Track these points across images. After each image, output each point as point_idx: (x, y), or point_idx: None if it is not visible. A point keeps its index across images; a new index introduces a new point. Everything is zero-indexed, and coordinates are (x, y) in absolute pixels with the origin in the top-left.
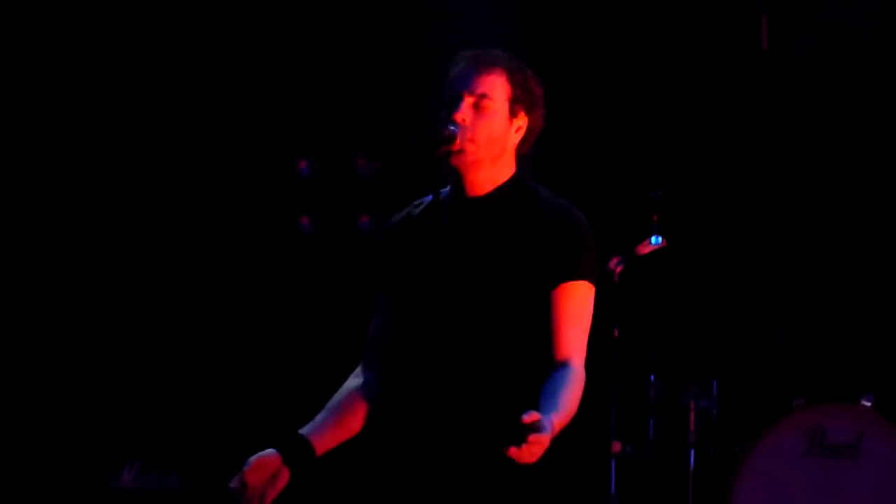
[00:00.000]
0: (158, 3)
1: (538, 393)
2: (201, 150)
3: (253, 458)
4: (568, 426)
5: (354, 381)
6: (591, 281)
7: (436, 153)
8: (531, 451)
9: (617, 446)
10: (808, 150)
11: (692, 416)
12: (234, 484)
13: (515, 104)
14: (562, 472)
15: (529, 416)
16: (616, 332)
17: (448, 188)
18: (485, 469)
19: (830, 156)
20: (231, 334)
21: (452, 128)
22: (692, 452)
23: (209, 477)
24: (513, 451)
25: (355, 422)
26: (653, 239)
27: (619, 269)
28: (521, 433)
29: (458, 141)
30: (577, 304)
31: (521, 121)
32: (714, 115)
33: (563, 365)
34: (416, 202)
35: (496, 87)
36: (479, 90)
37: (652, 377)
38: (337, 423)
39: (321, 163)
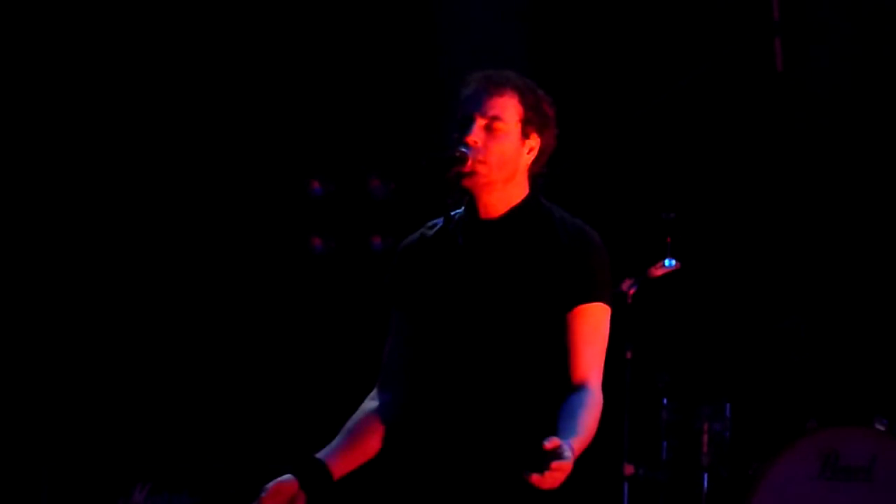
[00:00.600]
0: (175, 20)
1: (555, 415)
2: (214, 169)
3: (270, 484)
4: None
5: (370, 403)
6: (606, 302)
7: (447, 175)
8: (554, 477)
9: (629, 469)
10: (823, 171)
11: (705, 438)
12: None
13: (527, 125)
14: (574, 494)
15: (551, 442)
16: (629, 354)
17: (462, 210)
18: (500, 490)
19: (847, 178)
20: (244, 355)
21: (464, 149)
22: (705, 475)
23: (220, 498)
24: (535, 478)
25: (372, 444)
26: (666, 261)
27: (631, 292)
28: (544, 459)
29: (469, 163)
30: (593, 326)
31: (534, 141)
32: (728, 137)
33: (580, 387)
34: (429, 223)
35: (508, 108)
36: (491, 112)
37: (665, 399)
38: (354, 447)
39: (334, 183)
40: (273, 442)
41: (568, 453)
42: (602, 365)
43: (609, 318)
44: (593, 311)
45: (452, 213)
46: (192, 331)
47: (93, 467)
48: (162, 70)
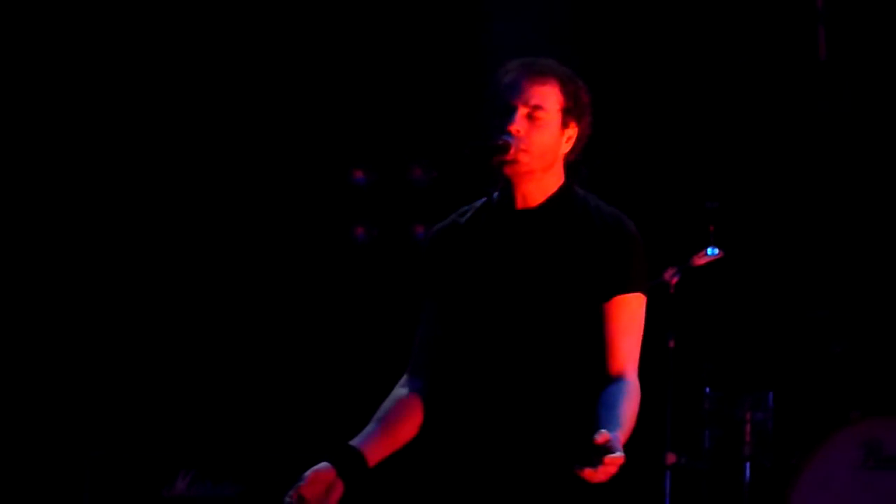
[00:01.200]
0: (216, 15)
1: (591, 406)
2: (257, 158)
3: (308, 473)
4: None
5: (401, 390)
6: (642, 292)
7: (490, 163)
8: (606, 471)
9: (672, 457)
10: (866, 161)
11: (748, 427)
12: (289, 498)
13: (567, 115)
14: (616, 483)
15: (601, 436)
16: (672, 343)
17: (495, 196)
18: (538, 480)
19: (890, 167)
20: (286, 343)
21: (507, 138)
22: (748, 465)
23: (263, 485)
24: (588, 473)
25: (406, 431)
26: (709, 250)
27: (674, 280)
28: (596, 454)
29: (511, 151)
30: (630, 317)
31: (572, 130)
32: (771, 126)
33: (618, 378)
34: (460, 210)
35: (549, 98)
36: (533, 101)
37: (707, 389)
38: (387, 434)
39: (376, 172)
40: (314, 430)
41: (619, 447)
42: (638, 355)
43: (645, 307)
44: (630, 302)
45: (489, 199)
46: (235, 320)
47: (136, 456)
48: (205, 60)
